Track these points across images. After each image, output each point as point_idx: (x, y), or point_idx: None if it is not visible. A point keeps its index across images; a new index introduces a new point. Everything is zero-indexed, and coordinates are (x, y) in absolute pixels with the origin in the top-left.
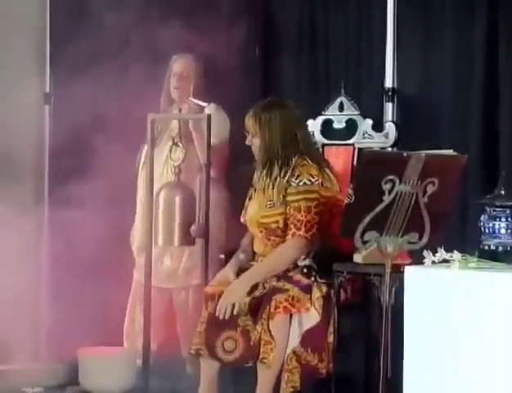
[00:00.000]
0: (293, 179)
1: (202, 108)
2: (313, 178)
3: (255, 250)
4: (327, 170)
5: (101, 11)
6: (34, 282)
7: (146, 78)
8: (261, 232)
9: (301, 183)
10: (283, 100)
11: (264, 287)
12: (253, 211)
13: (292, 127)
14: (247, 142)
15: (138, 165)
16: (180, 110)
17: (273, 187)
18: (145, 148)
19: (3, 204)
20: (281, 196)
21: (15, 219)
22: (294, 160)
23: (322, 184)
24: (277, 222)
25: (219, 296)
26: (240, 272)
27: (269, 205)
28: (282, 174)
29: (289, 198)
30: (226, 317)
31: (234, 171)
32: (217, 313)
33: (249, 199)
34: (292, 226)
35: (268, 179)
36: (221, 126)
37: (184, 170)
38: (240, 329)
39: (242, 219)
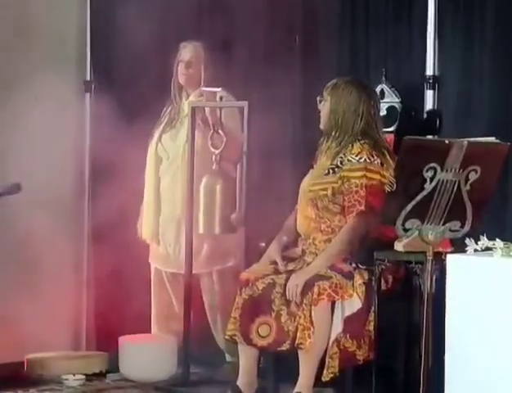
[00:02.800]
0: (353, 156)
1: (214, 94)
2: (373, 157)
3: (299, 230)
4: (387, 156)
5: None
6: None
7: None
8: (310, 201)
9: (362, 160)
10: (367, 83)
11: (304, 264)
12: (305, 181)
13: (361, 105)
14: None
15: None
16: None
17: (325, 155)
18: (157, 133)
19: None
20: (330, 164)
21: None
22: (351, 136)
23: (382, 165)
24: (325, 189)
25: (253, 283)
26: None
27: (320, 174)
28: (335, 144)
29: (350, 174)
30: (295, 299)
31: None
32: (287, 297)
33: None
34: (356, 203)
35: (324, 145)
36: (234, 113)
37: (202, 158)
38: (275, 314)
39: None
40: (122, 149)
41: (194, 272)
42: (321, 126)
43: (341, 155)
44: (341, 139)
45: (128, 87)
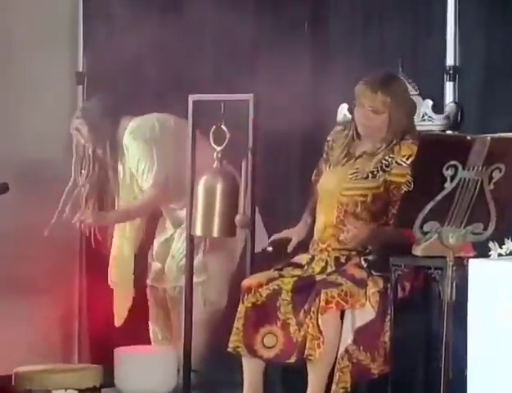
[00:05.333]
0: (403, 159)
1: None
2: None
3: (316, 233)
4: None
5: None
6: None
7: (184, 54)
8: (340, 205)
9: None
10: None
11: (312, 271)
12: (331, 183)
13: (411, 103)
14: (360, 117)
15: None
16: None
17: (373, 159)
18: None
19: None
20: (373, 167)
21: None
22: (399, 136)
23: None
24: (365, 196)
25: (256, 289)
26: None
27: (355, 177)
28: (383, 147)
29: (401, 179)
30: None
31: None
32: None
33: (317, 172)
34: None
35: (372, 151)
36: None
37: None
38: (281, 323)
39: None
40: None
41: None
42: (366, 133)
43: (386, 157)
44: (389, 141)
45: (123, 79)
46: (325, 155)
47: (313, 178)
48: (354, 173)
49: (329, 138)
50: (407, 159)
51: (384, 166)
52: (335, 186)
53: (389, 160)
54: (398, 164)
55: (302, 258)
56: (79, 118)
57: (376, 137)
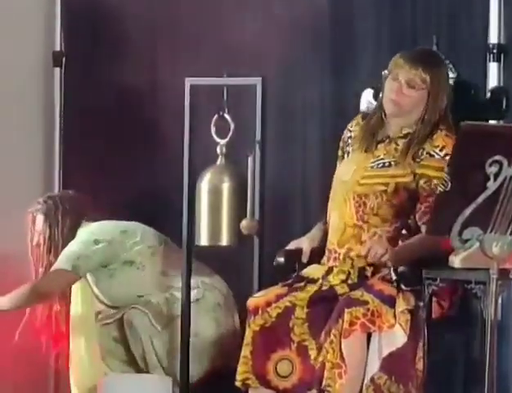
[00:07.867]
0: (436, 150)
1: None
2: None
3: (330, 237)
4: None
5: None
6: None
7: (171, 40)
8: (357, 197)
9: (448, 156)
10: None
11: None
12: (349, 172)
13: (449, 90)
14: (391, 92)
15: None
16: None
17: (406, 149)
18: None
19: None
20: (408, 161)
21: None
22: (434, 124)
23: None
24: (386, 184)
25: (264, 309)
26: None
27: (377, 166)
28: (421, 136)
29: (433, 173)
30: (376, 260)
31: None
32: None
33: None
34: None
35: (396, 135)
36: None
37: None
38: (296, 346)
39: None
40: (99, 139)
41: None
42: (393, 111)
43: (415, 147)
44: (427, 125)
45: (108, 59)
46: (341, 144)
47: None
48: (375, 161)
49: (350, 128)
50: (440, 150)
51: (414, 157)
52: (353, 174)
53: (420, 151)
54: (430, 155)
55: (313, 271)
56: (40, 203)
57: (405, 118)
